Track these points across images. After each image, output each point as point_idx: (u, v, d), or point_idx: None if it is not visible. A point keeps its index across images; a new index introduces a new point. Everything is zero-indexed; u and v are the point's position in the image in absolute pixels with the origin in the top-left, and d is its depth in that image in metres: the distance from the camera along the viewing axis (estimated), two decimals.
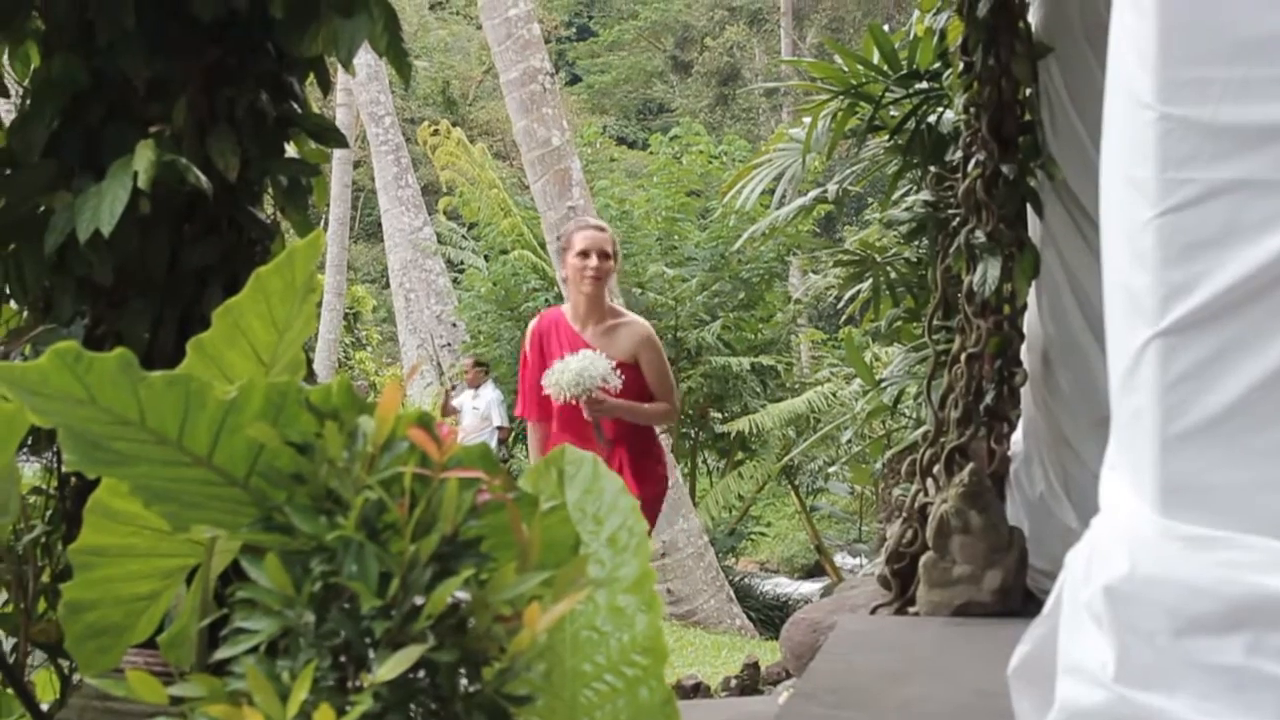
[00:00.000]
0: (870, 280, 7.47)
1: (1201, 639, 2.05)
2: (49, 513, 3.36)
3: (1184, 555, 2.09)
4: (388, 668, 1.55)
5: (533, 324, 6.38)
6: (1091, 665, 2.15)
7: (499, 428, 16.34)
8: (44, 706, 3.04)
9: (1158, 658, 2.07)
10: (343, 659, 1.62)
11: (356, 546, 1.62)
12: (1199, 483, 2.12)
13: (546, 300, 16.23)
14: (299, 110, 3.71)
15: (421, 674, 1.62)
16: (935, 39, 6.46)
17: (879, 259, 7.43)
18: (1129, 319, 2.22)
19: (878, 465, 9.47)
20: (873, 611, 5.63)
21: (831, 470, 16.69)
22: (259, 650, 1.64)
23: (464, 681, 1.65)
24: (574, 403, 5.79)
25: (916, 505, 5.71)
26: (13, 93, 3.56)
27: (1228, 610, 2.03)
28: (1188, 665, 2.05)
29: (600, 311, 6.13)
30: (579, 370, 5.75)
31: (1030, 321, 5.85)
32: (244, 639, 1.64)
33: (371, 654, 1.60)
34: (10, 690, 3.00)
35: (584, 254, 6.02)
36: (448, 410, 17.09)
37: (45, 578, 3.20)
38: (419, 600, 1.62)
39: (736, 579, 16.06)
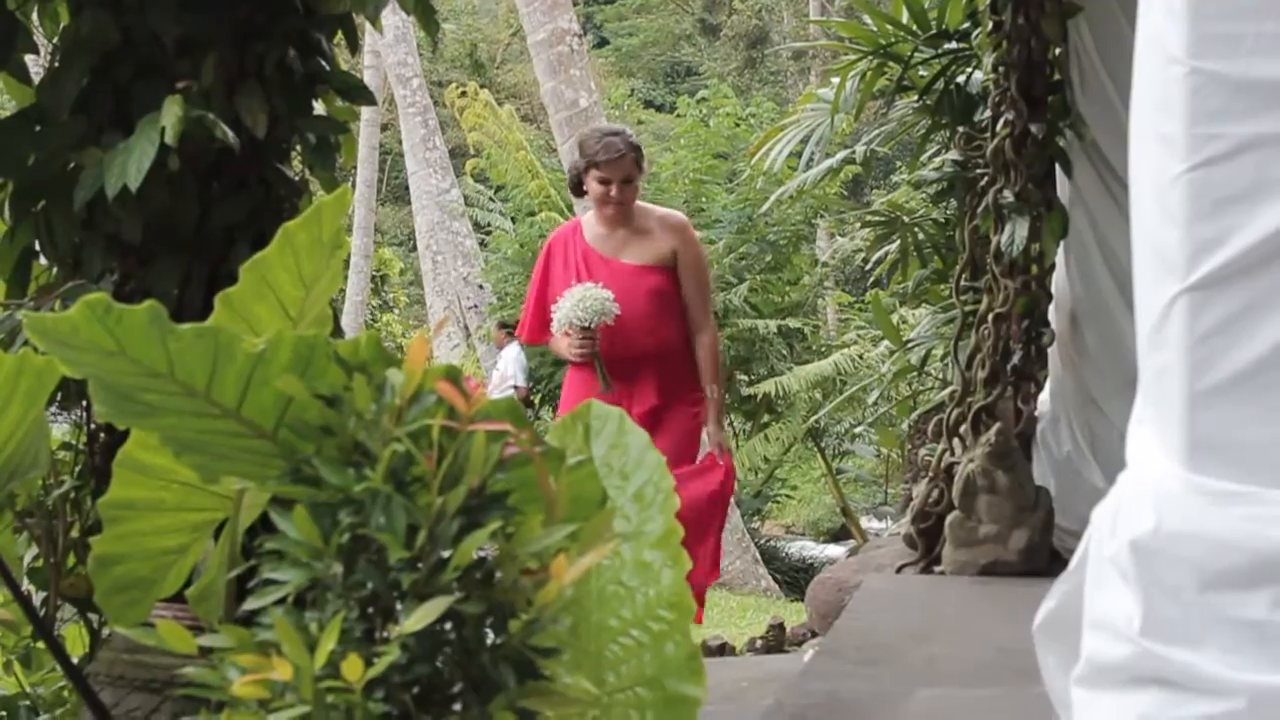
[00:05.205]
0: (898, 241, 7.44)
1: (1227, 594, 2.04)
2: (78, 468, 3.38)
3: (1210, 510, 2.08)
4: (415, 619, 1.56)
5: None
6: (1117, 619, 2.15)
7: (515, 387, 16.31)
8: (74, 660, 3.06)
9: (1183, 612, 2.07)
10: (370, 610, 1.63)
11: (384, 498, 1.63)
12: (1226, 438, 2.11)
13: None
14: (327, 67, 3.71)
15: (448, 626, 1.63)
16: None
17: (907, 219, 7.40)
18: (1157, 275, 2.21)
19: (904, 426, 9.46)
20: (898, 571, 5.64)
21: (857, 431, 16.67)
22: (287, 601, 1.65)
23: (490, 633, 1.66)
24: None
25: (943, 465, 5.71)
26: (42, 50, 3.57)
27: (1253, 565, 2.03)
28: (1213, 620, 2.04)
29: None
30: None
31: (1058, 282, 5.84)
32: (272, 590, 1.65)
33: (399, 605, 1.61)
34: (41, 644, 3.02)
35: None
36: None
37: (75, 532, 3.23)
38: (446, 552, 1.63)
39: (762, 541, 16.09)
